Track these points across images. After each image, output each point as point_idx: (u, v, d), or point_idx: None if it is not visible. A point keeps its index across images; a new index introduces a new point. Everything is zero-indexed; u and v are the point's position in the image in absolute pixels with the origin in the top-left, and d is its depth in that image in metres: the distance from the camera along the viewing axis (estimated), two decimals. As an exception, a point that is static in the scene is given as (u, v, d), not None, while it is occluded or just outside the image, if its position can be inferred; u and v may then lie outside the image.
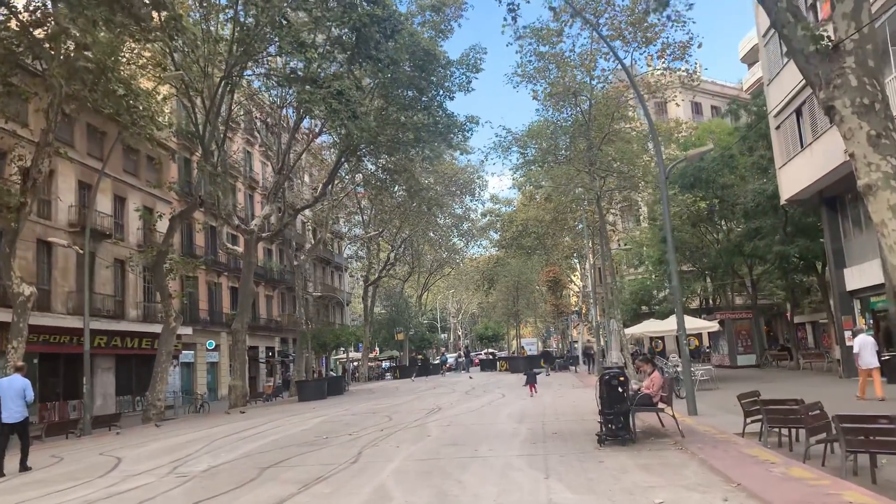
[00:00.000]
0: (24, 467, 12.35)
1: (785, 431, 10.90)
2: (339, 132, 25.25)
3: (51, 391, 28.31)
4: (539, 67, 31.06)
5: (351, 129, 22.80)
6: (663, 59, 29.79)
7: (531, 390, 23.77)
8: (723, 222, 36.68)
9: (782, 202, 26.62)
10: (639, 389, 11.23)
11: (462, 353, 70.75)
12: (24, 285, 19.43)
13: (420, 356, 65.53)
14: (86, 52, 17.92)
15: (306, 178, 50.49)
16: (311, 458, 10.95)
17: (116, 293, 33.00)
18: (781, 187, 26.17)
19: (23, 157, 20.34)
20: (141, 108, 20.03)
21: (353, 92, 22.69)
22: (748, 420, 11.35)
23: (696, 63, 30.70)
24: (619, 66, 22.90)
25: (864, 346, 16.36)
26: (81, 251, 22.75)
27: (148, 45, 19.93)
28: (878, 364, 16.35)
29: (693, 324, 34.02)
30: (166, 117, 24.50)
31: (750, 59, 61.43)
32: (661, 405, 11.03)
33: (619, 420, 10.24)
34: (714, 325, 29.98)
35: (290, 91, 27.42)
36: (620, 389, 10.21)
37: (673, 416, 10.83)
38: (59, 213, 29.19)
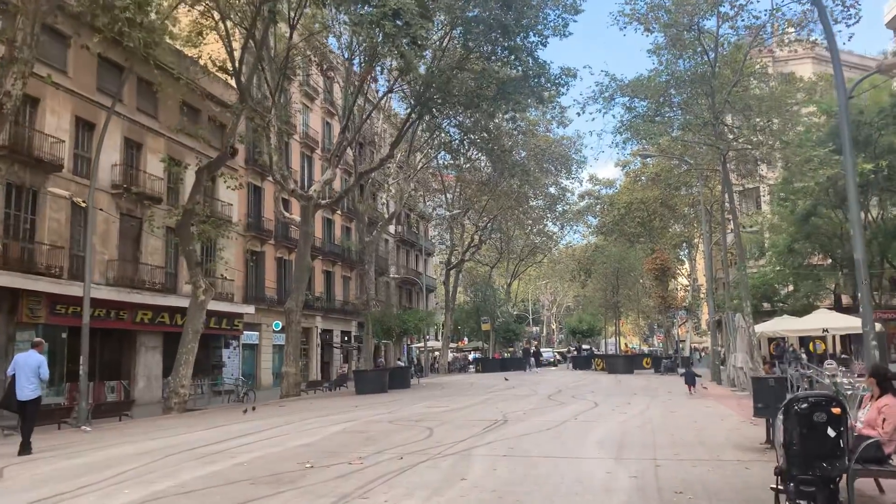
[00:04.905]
0: (24, 450, 11.38)
1: None
2: (398, 62, 20.54)
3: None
4: (652, 5, 25.64)
5: (409, 58, 18.05)
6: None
7: (690, 390, 22.52)
8: (876, 199, 29.74)
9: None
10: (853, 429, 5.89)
11: (573, 348, 66.90)
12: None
13: (535, 346, 63.07)
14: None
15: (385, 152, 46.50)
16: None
17: (168, 265, 29.90)
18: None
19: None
20: (131, 15, 15.85)
21: (415, 15, 17.92)
22: None
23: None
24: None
25: None
26: (84, 204, 19.14)
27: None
28: None
29: (846, 322, 27.58)
30: (181, 37, 20.41)
31: (901, 21, 52.48)
32: (901, 463, 5.69)
33: (824, 490, 5.00)
34: (877, 326, 23.33)
35: (349, 28, 23.00)
36: (832, 433, 4.94)
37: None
38: (100, 171, 26.11)
